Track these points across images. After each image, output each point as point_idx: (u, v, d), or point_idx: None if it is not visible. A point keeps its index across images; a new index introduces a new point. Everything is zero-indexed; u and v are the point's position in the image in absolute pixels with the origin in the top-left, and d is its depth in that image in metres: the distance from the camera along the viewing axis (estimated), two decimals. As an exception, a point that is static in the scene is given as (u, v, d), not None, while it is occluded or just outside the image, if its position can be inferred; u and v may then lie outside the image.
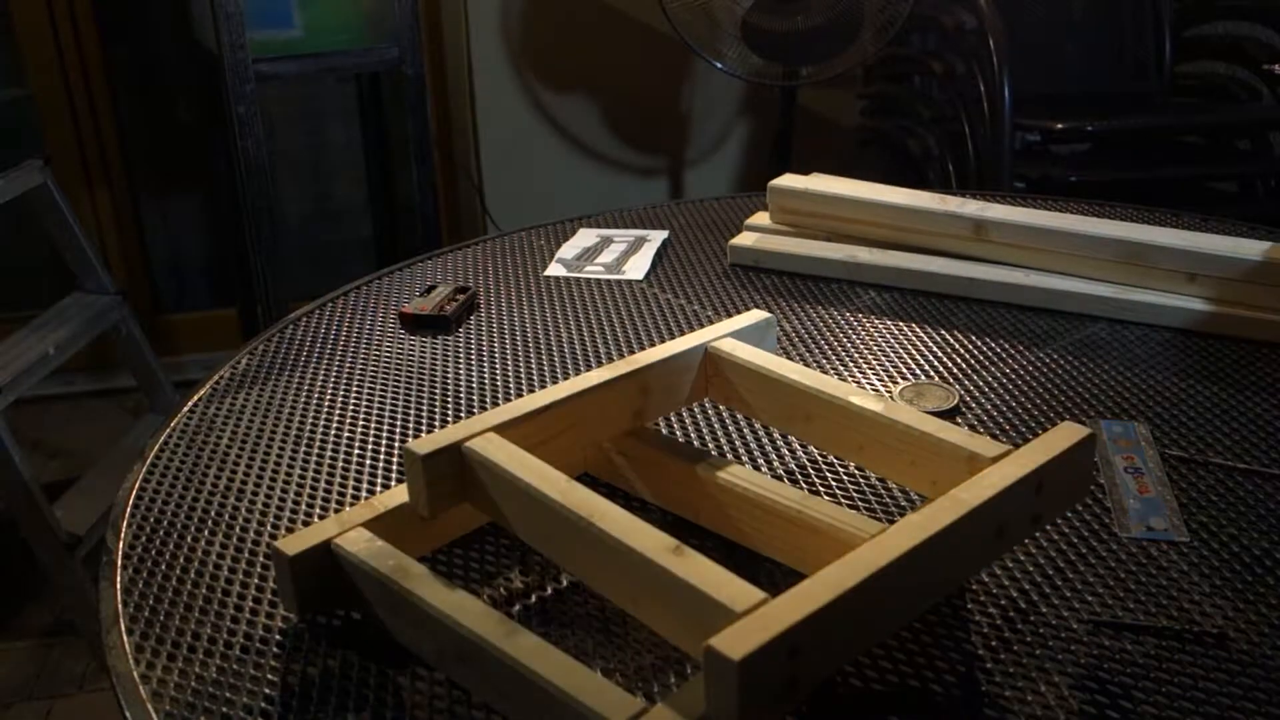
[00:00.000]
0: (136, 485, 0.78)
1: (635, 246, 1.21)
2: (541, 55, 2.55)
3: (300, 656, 0.61)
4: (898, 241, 1.12)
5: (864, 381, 0.90)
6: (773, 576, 0.66)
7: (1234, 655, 0.59)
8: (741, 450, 0.80)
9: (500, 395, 0.90)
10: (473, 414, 0.87)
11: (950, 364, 0.93)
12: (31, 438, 2.33)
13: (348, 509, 0.68)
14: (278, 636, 0.63)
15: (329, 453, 0.82)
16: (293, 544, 0.61)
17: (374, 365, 0.96)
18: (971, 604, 0.64)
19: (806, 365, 0.93)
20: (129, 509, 0.76)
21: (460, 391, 0.91)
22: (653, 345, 0.98)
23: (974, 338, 0.98)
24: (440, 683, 0.59)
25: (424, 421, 0.86)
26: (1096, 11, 2.43)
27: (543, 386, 0.91)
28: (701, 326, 1.01)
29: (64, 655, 1.76)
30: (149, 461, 0.82)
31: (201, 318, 2.67)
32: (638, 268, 1.15)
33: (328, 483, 0.78)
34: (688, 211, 1.35)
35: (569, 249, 1.21)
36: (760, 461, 0.79)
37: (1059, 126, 2.11)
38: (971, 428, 0.83)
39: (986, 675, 0.59)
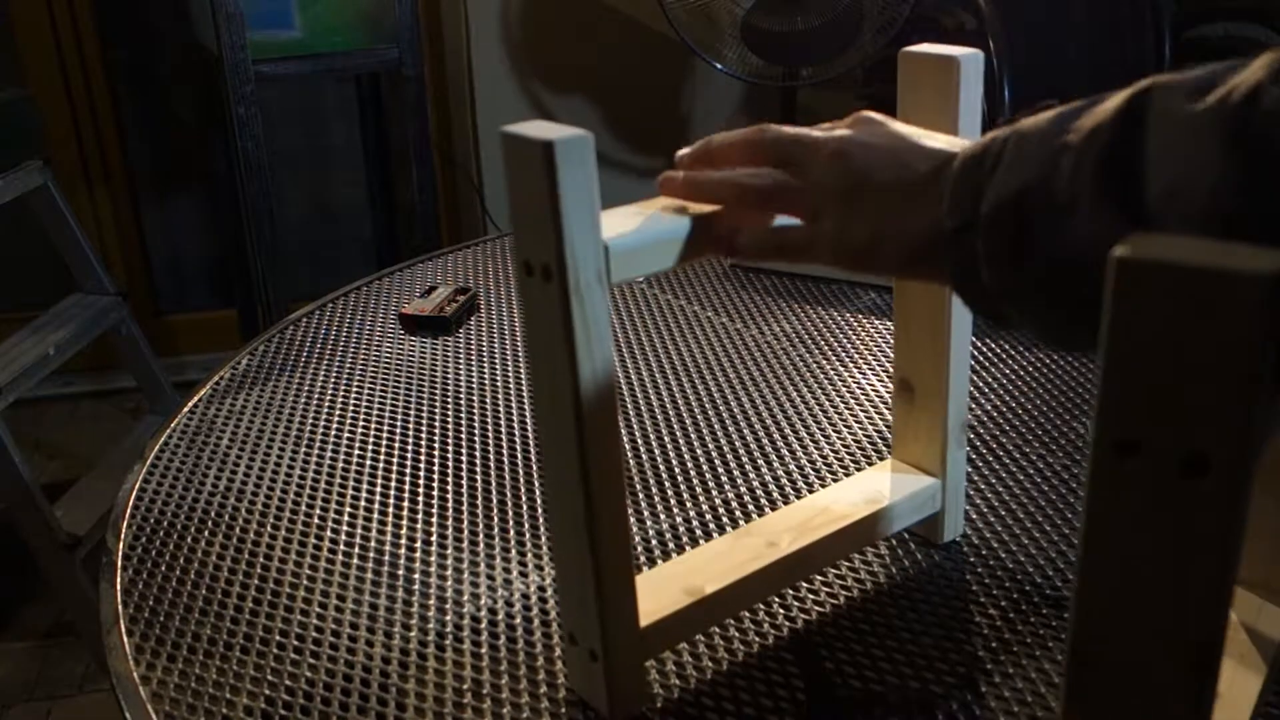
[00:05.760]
0: (136, 486, 0.78)
1: (635, 247, 1.21)
2: (541, 55, 2.54)
3: (301, 658, 0.61)
4: (898, 242, 1.12)
5: (863, 382, 0.90)
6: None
7: (1234, 656, 0.59)
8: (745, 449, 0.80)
9: (500, 396, 0.90)
10: (473, 415, 0.87)
11: (950, 364, 0.93)
12: (31, 438, 2.33)
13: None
14: (278, 637, 0.63)
15: (329, 453, 0.82)
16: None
17: (374, 366, 0.96)
18: (972, 605, 0.64)
19: (806, 366, 0.93)
20: (129, 510, 0.76)
21: (460, 392, 0.91)
22: (652, 346, 0.98)
23: (974, 338, 0.98)
24: (440, 684, 0.59)
25: (424, 422, 0.86)
26: (1097, 12, 2.42)
27: (543, 387, 0.91)
28: (702, 327, 1.01)
29: (64, 656, 1.76)
30: (149, 462, 0.82)
31: (201, 318, 2.67)
32: (638, 268, 1.15)
33: (328, 483, 0.78)
34: (688, 212, 1.35)
35: (569, 249, 1.21)
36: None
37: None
38: (971, 428, 0.83)
39: (986, 675, 0.59)
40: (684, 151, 0.58)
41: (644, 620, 0.55)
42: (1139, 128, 0.42)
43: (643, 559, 0.69)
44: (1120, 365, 0.28)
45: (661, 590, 0.58)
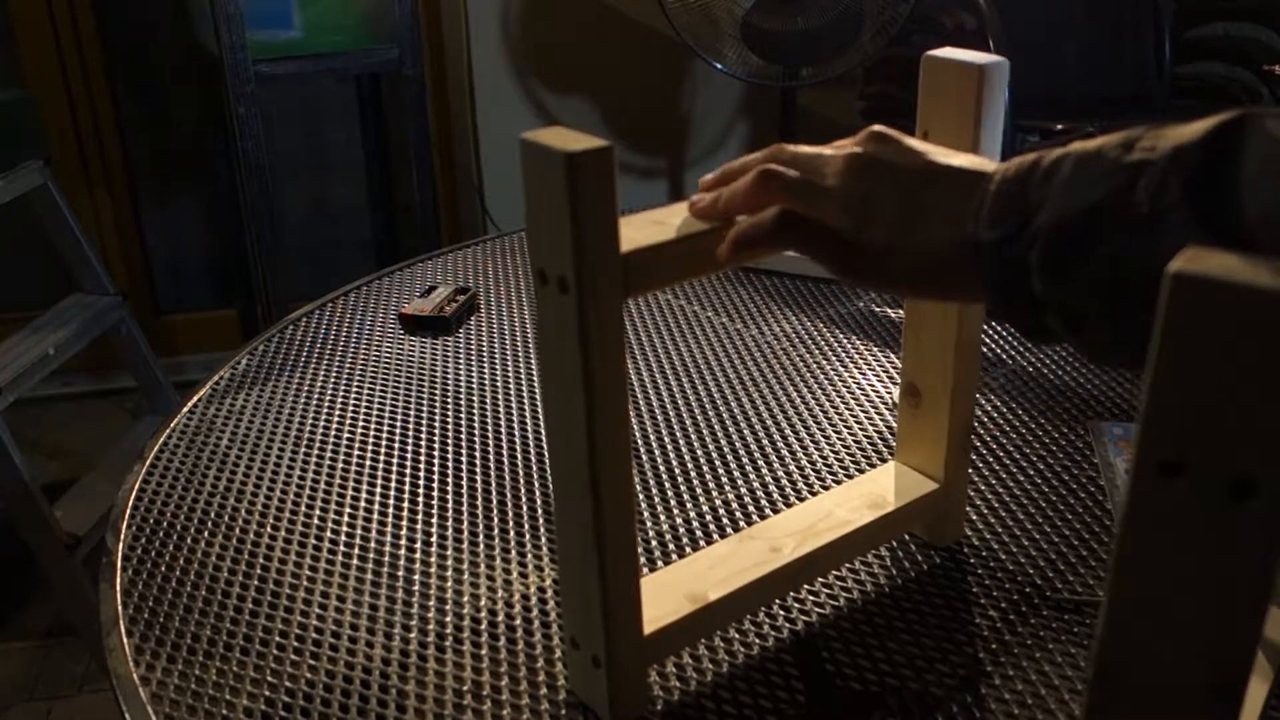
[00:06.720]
0: (136, 486, 0.78)
1: (635, 247, 1.21)
2: (541, 55, 2.54)
3: (301, 658, 0.61)
4: (898, 242, 1.12)
5: (863, 382, 0.90)
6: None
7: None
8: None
9: (500, 396, 0.90)
10: (473, 415, 0.87)
11: (950, 365, 0.93)
12: (31, 438, 2.33)
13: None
14: (278, 637, 0.63)
15: (329, 453, 0.82)
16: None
17: (374, 366, 0.96)
18: (972, 607, 0.64)
19: (807, 366, 0.93)
20: (129, 510, 0.76)
21: (460, 392, 0.91)
22: (653, 346, 0.98)
23: (974, 339, 0.98)
24: (440, 685, 0.59)
25: (424, 422, 0.86)
26: (1097, 12, 2.42)
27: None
28: (702, 327, 1.01)
29: (63, 656, 1.76)
30: (149, 462, 0.81)
31: (201, 318, 2.67)
32: (638, 268, 1.15)
33: (328, 483, 0.78)
34: (688, 212, 1.35)
35: (569, 250, 1.21)
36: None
37: (1059, 127, 2.11)
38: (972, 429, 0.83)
39: (987, 677, 0.59)
40: (707, 177, 0.57)
41: (648, 627, 0.55)
42: (1231, 152, 0.42)
43: (643, 560, 0.69)
44: (1168, 383, 0.27)
45: (665, 596, 0.58)
